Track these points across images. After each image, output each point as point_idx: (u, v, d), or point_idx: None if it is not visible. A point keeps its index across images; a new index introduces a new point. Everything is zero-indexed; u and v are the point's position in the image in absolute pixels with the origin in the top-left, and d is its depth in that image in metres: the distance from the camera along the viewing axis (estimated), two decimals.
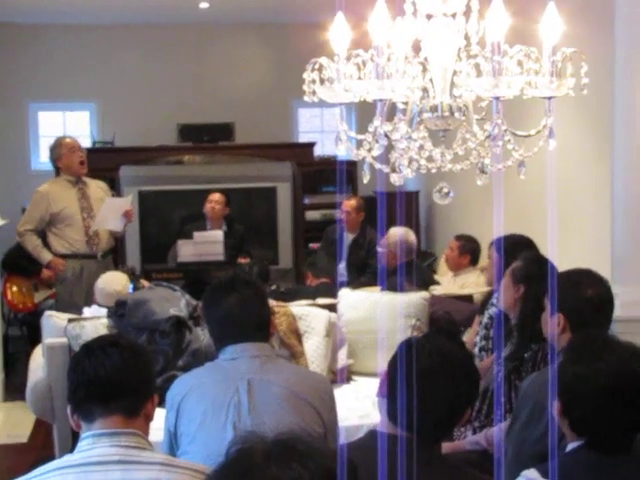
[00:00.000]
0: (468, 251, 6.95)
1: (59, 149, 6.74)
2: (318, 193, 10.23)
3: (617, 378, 2.45)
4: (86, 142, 8.20)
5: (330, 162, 10.25)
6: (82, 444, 2.48)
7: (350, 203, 8.21)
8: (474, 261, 6.96)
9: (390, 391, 2.45)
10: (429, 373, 2.42)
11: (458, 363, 2.50)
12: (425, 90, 2.51)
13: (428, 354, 2.46)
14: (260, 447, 1.54)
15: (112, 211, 6.76)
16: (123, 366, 2.52)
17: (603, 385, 2.43)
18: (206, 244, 8.11)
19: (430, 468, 2.39)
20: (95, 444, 2.45)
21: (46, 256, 6.61)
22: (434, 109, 2.51)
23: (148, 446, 2.54)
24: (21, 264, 8.39)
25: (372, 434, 2.50)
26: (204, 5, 9.05)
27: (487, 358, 4.52)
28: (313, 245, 9.53)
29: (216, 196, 8.31)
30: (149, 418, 2.60)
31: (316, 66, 2.47)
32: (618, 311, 3.91)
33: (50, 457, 4.90)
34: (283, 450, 1.54)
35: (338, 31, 2.43)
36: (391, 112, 2.52)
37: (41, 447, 6.03)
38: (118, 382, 2.50)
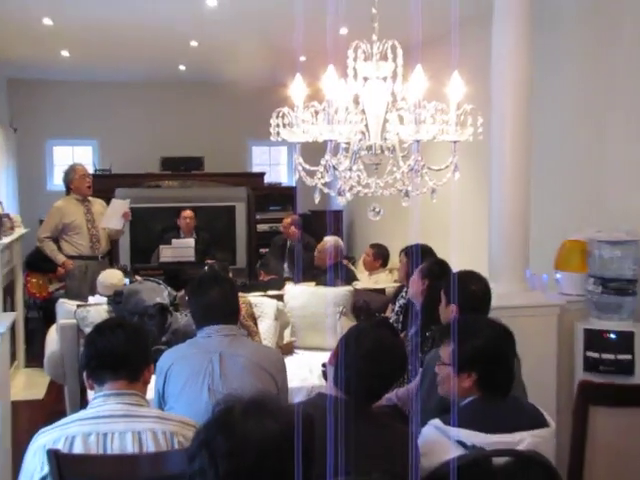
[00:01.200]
0: (380, 256, 6.98)
1: (73, 174, 6.67)
2: (266, 211, 10.22)
3: (497, 343, 2.51)
4: (89, 169, 8.09)
5: (276, 187, 10.35)
6: (95, 402, 2.46)
7: (286, 220, 8.33)
8: (384, 264, 6.98)
9: (337, 362, 2.42)
10: (371, 354, 2.39)
11: (394, 348, 2.48)
12: (363, 133, 2.49)
13: (372, 339, 2.44)
14: (238, 406, 1.51)
15: (114, 212, 6.76)
16: (127, 342, 2.51)
17: (490, 350, 2.49)
18: (181, 248, 8.10)
19: (364, 422, 2.37)
20: (105, 402, 2.44)
21: (60, 257, 6.55)
22: (369, 148, 2.51)
23: (146, 404, 2.54)
24: (39, 263, 8.28)
25: (320, 395, 2.47)
26: (182, 68, 9.01)
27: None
28: (263, 250, 9.52)
29: (187, 212, 8.38)
30: (147, 382, 2.59)
31: (280, 114, 2.43)
32: (495, 301, 3.94)
33: (61, 411, 4.87)
34: (257, 408, 1.51)
35: (297, 88, 2.40)
36: (336, 150, 2.50)
37: (54, 403, 5.95)
38: (123, 354, 2.49)
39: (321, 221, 9.53)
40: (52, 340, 5.20)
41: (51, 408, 5.77)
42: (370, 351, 2.40)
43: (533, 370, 3.55)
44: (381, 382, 2.45)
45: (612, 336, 4.01)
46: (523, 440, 2.37)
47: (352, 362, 2.37)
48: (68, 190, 6.79)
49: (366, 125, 2.49)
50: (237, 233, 10.18)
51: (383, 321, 3.19)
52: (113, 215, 6.77)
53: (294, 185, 10.02)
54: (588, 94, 4.70)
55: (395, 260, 6.97)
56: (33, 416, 5.60)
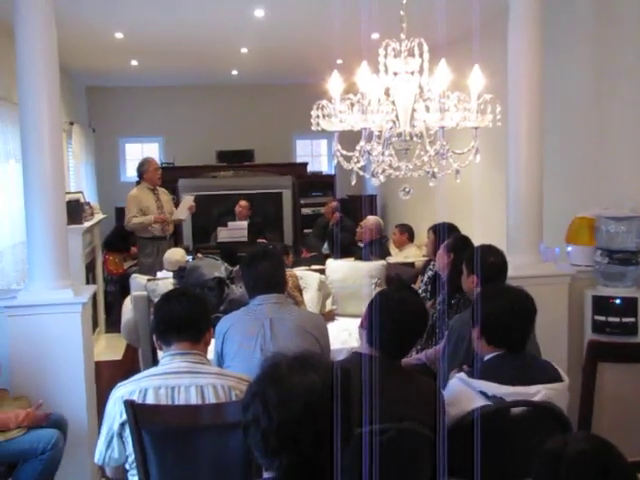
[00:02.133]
0: (405, 231, 6.91)
1: (147, 166, 6.71)
2: (309, 196, 10.16)
3: (511, 305, 2.49)
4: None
5: (317, 176, 10.30)
6: (163, 360, 2.49)
7: (330, 205, 8.34)
8: (411, 238, 6.91)
9: (369, 325, 2.40)
10: (396, 313, 2.37)
11: (415, 307, 2.45)
12: (393, 122, 2.46)
13: (396, 301, 2.41)
14: (284, 362, 1.51)
15: (184, 206, 6.88)
16: (190, 308, 2.51)
17: (505, 309, 2.47)
18: (236, 230, 8.12)
19: (395, 375, 2.38)
20: (172, 360, 2.45)
21: (150, 217, 6.54)
22: (399, 135, 2.47)
23: (207, 362, 2.55)
24: (116, 243, 8.41)
25: (355, 354, 2.46)
26: (234, 72, 9.00)
27: (427, 304, 4.49)
28: (307, 230, 9.52)
29: (243, 202, 8.41)
30: (208, 343, 2.60)
31: (319, 106, 2.41)
32: (512, 272, 3.88)
33: (137, 370, 4.91)
34: (300, 363, 1.51)
35: (334, 82, 2.37)
36: (369, 137, 2.46)
37: (130, 363, 6.04)
38: (187, 319, 2.49)
39: (357, 205, 9.51)
40: (127, 309, 5.26)
41: (128, 367, 5.84)
42: (395, 311, 2.38)
43: (547, 333, 3.50)
44: (407, 337, 2.42)
45: (617, 301, 3.94)
46: (539, 392, 2.34)
47: (380, 322, 2.35)
48: (140, 179, 6.85)
49: (396, 114, 2.45)
50: (284, 216, 10.18)
51: (404, 284, 3.16)
52: (182, 208, 6.91)
53: (333, 173, 9.97)
54: (596, 82, 4.59)
55: (422, 237, 6.91)
56: (113, 374, 5.67)
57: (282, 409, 1.42)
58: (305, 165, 10.32)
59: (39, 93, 3.50)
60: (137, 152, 10.38)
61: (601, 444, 1.50)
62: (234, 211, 8.42)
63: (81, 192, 7.10)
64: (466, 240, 3.97)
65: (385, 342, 2.35)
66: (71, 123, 8.03)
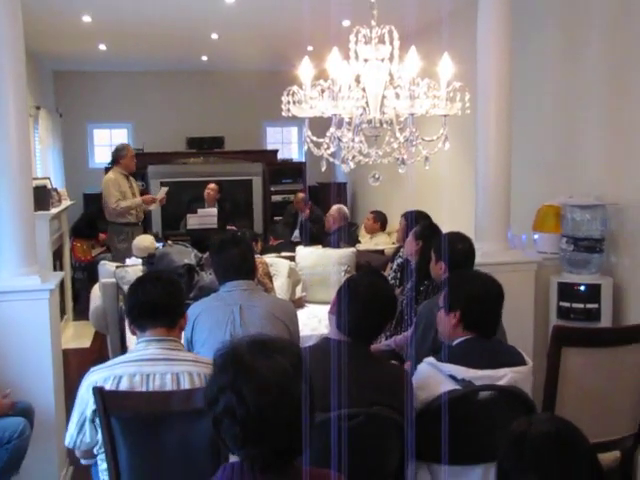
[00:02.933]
0: (379, 220, 6.97)
1: (125, 152, 6.63)
2: (279, 183, 10.13)
3: (486, 289, 2.52)
4: None
5: (287, 163, 10.28)
6: (139, 346, 2.46)
7: (299, 198, 8.33)
8: (383, 227, 6.97)
9: (338, 310, 2.41)
10: (365, 298, 2.38)
11: (384, 292, 2.46)
12: (364, 108, 2.46)
13: (365, 286, 2.42)
14: (242, 348, 1.47)
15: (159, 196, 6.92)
16: (165, 293, 2.49)
17: (482, 293, 2.50)
18: (205, 217, 8.07)
19: (364, 360, 2.39)
20: (147, 347, 2.43)
21: (138, 199, 6.59)
22: (369, 121, 2.47)
23: (182, 347, 2.55)
24: (83, 230, 8.31)
25: (325, 339, 2.46)
26: (204, 58, 8.93)
27: (397, 291, 4.52)
28: (277, 218, 9.50)
29: (211, 185, 8.34)
30: (182, 329, 2.59)
31: (290, 92, 2.40)
32: (480, 258, 3.92)
33: (105, 357, 4.90)
34: (261, 347, 1.48)
35: (305, 69, 2.36)
36: (340, 123, 2.46)
37: (98, 351, 6.01)
38: (162, 304, 2.46)
39: (327, 192, 9.51)
40: (95, 296, 5.22)
41: (96, 355, 5.80)
42: (363, 296, 2.39)
43: (513, 318, 3.53)
44: (375, 322, 2.43)
45: (582, 288, 4.00)
46: (505, 375, 2.38)
47: (349, 307, 2.36)
48: (113, 164, 6.74)
49: (366, 101, 2.45)
50: (254, 203, 10.15)
51: (373, 270, 3.18)
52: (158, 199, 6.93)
53: (304, 160, 9.95)
54: (565, 71, 4.63)
55: (393, 224, 6.96)
56: (81, 362, 5.63)
57: (258, 396, 1.39)
58: (275, 152, 10.29)
59: (4, 78, 3.43)
60: (106, 138, 10.27)
61: (564, 425, 1.53)
62: (204, 198, 8.37)
63: (48, 178, 7.00)
64: (434, 227, 4.01)
65: (354, 327, 2.36)
66: (37, 107, 7.89)
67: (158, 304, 2.44)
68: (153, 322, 2.44)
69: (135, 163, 6.75)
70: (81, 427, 2.36)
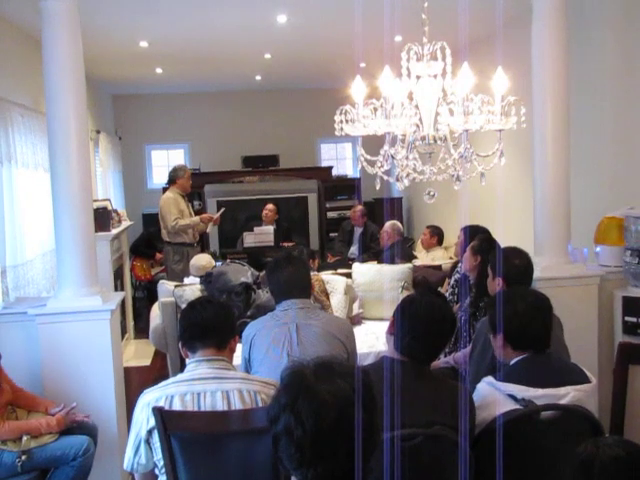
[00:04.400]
0: (436, 234, 6.92)
1: (182, 173, 6.72)
2: (335, 200, 10.16)
3: (525, 304, 2.46)
4: None
5: (342, 179, 10.28)
6: (189, 367, 2.50)
7: (357, 209, 8.29)
8: (440, 241, 6.91)
9: (396, 330, 2.39)
10: (423, 319, 2.36)
11: (443, 312, 2.43)
12: (417, 126, 2.44)
13: (423, 306, 2.40)
14: (308, 370, 1.49)
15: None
16: (215, 316, 2.53)
17: (518, 310, 2.45)
18: (262, 234, 8.12)
19: (424, 380, 2.36)
20: (197, 367, 2.47)
21: (196, 218, 6.65)
22: (423, 138, 2.45)
23: (232, 368, 2.56)
24: (142, 250, 8.47)
25: (384, 358, 2.44)
26: (258, 78, 9.04)
27: (454, 307, 4.46)
28: (332, 234, 9.50)
29: (270, 206, 8.36)
30: (233, 350, 2.61)
31: (342, 111, 2.40)
32: (539, 273, 3.85)
33: (165, 375, 4.96)
34: (326, 370, 1.48)
35: (357, 87, 2.37)
36: (393, 141, 2.46)
37: (159, 369, 6.08)
38: (212, 326, 2.51)
39: (383, 208, 9.49)
40: (155, 315, 5.29)
41: (157, 373, 5.89)
42: (422, 317, 2.36)
43: (576, 335, 3.47)
44: (434, 343, 2.40)
45: None
46: (567, 394, 2.31)
47: (407, 328, 2.34)
48: (169, 184, 6.79)
49: (420, 118, 2.44)
50: (310, 220, 10.18)
51: (431, 289, 3.14)
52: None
53: (358, 176, 9.96)
54: (625, 80, 4.53)
55: (449, 239, 6.89)
56: (142, 380, 5.73)
57: (316, 419, 1.39)
58: (330, 169, 10.33)
59: (66, 103, 3.55)
60: (163, 159, 10.48)
61: (635, 449, 1.47)
62: (260, 216, 8.44)
63: (108, 199, 7.18)
64: (493, 241, 3.94)
65: (413, 348, 2.33)
66: (98, 131, 8.13)
67: (208, 326, 2.49)
68: (203, 343, 2.48)
69: (191, 184, 6.85)
70: (137, 449, 2.40)
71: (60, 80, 3.54)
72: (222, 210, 7.22)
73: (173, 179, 6.75)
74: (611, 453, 1.44)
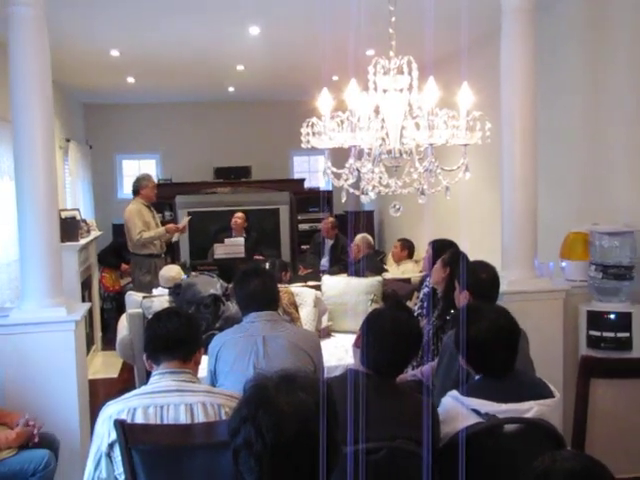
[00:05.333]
0: (406, 248, 6.95)
1: (146, 182, 6.62)
2: (306, 212, 10.16)
3: (490, 332, 2.42)
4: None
5: (314, 191, 10.28)
6: (153, 379, 2.48)
7: (328, 221, 8.25)
8: (410, 255, 6.94)
9: (362, 343, 2.39)
10: (389, 332, 2.36)
11: (409, 327, 2.44)
12: (383, 139, 2.46)
13: (390, 320, 2.40)
14: (270, 383, 1.48)
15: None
16: (180, 328, 2.51)
17: (483, 338, 2.41)
18: (232, 246, 8.08)
19: (388, 393, 2.36)
20: (161, 379, 2.45)
21: (162, 229, 6.54)
22: (389, 152, 2.46)
23: (197, 381, 2.54)
24: (109, 260, 8.37)
25: (350, 371, 2.44)
26: (231, 89, 9.04)
27: (422, 320, 4.47)
28: (304, 246, 9.49)
29: (239, 214, 8.32)
30: (198, 363, 2.59)
31: (309, 123, 2.41)
32: (507, 287, 3.88)
33: (132, 387, 4.88)
34: (288, 383, 1.48)
35: (324, 100, 2.38)
36: (359, 154, 2.47)
37: (126, 381, 6.00)
38: (177, 338, 2.49)
39: (355, 221, 9.51)
40: (123, 327, 5.24)
41: (123, 385, 5.81)
42: (388, 331, 2.36)
43: (542, 348, 3.49)
44: (400, 357, 2.41)
45: (612, 316, 3.93)
46: (531, 408, 2.33)
47: (373, 342, 2.34)
48: (135, 195, 6.71)
49: (386, 132, 2.45)
50: (281, 232, 10.16)
51: (398, 303, 3.14)
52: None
53: (331, 189, 9.98)
54: (589, 99, 4.60)
55: (420, 253, 6.92)
56: (109, 392, 5.64)
57: (275, 432, 1.38)
58: (302, 181, 10.33)
59: (32, 111, 3.51)
60: (134, 169, 10.39)
61: (591, 463, 1.48)
62: (231, 227, 8.41)
63: (77, 209, 7.09)
64: (463, 255, 3.97)
65: (378, 362, 2.34)
66: (68, 140, 8.05)
67: (173, 338, 2.47)
68: (167, 355, 2.46)
69: (156, 194, 6.73)
70: (98, 463, 2.36)
71: (26, 88, 3.50)
72: (188, 218, 7.17)
73: (137, 189, 6.65)
74: (567, 466, 1.45)
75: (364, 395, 2.17)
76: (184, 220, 7.12)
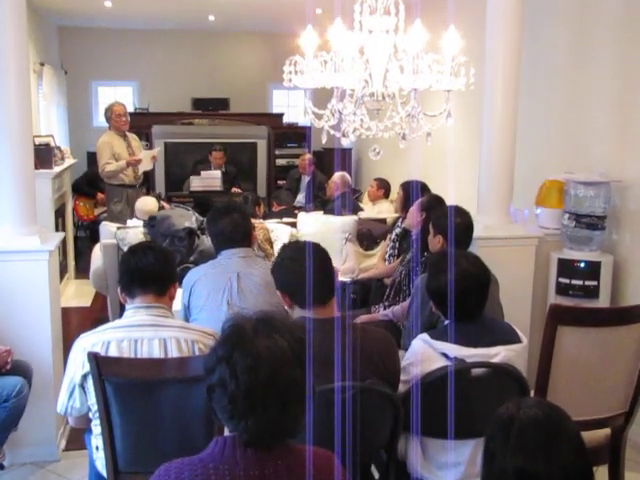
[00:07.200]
0: (382, 187, 6.93)
1: (109, 113, 6.42)
2: (284, 147, 10.03)
3: (460, 279, 2.40)
4: (130, 108, 7.95)
5: (293, 127, 10.15)
6: (127, 313, 2.48)
7: (305, 157, 8.20)
8: (386, 194, 6.94)
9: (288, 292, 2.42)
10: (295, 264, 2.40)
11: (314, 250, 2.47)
12: (366, 81, 2.42)
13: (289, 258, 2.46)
14: (248, 325, 1.49)
15: (146, 159, 6.50)
16: (155, 262, 2.49)
17: (454, 286, 2.38)
18: (209, 179, 8.04)
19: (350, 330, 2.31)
20: (136, 313, 2.45)
21: (123, 162, 6.29)
22: (372, 94, 2.43)
23: (171, 315, 2.54)
24: (85, 189, 8.28)
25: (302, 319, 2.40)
26: (212, 18, 8.81)
27: (394, 261, 4.51)
28: (281, 182, 9.43)
29: (218, 154, 8.23)
30: (172, 297, 2.59)
31: (292, 61, 2.36)
32: (482, 232, 3.90)
33: (105, 317, 4.93)
34: (265, 325, 1.49)
35: (308, 38, 2.32)
36: (341, 96, 2.43)
37: (99, 310, 6.02)
38: (151, 272, 2.47)
39: (332, 158, 9.45)
40: (97, 257, 5.22)
41: (96, 314, 5.84)
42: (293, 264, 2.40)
43: (512, 294, 3.55)
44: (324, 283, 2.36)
45: (581, 265, 3.99)
46: (498, 353, 2.38)
47: (292, 282, 2.37)
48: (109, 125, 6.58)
49: (369, 74, 2.41)
50: (258, 166, 10.11)
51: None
52: (145, 162, 6.50)
53: (309, 125, 9.83)
54: (573, 54, 4.56)
55: (395, 193, 6.92)
56: (82, 321, 5.67)
57: (250, 374, 1.40)
58: (281, 116, 10.18)
59: (4, 32, 3.37)
60: (110, 96, 10.14)
61: (553, 410, 1.52)
62: (209, 160, 8.33)
63: (52, 136, 6.94)
64: (440, 200, 3.98)
65: (304, 294, 2.27)
66: (42, 64, 7.80)
67: (147, 272, 2.45)
68: (142, 289, 2.45)
69: (125, 122, 6.43)
70: (71, 393, 2.39)
71: None
72: (158, 149, 7.05)
73: (107, 120, 6.48)
74: (530, 413, 1.49)
75: (326, 338, 2.17)
76: (154, 150, 6.94)
